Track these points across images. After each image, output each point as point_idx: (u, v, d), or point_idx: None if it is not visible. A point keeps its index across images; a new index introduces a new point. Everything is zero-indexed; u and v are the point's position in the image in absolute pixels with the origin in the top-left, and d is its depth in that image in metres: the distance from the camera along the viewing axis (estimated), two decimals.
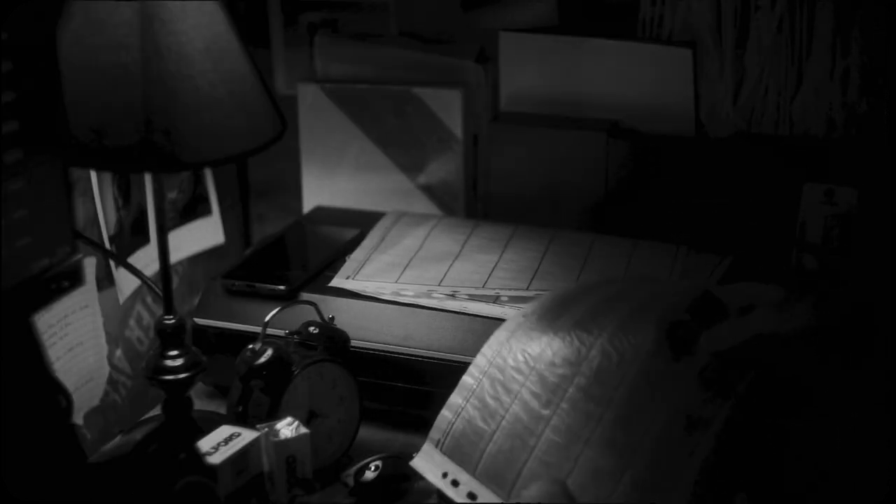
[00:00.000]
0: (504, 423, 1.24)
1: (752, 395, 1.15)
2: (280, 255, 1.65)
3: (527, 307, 1.34)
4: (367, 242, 1.61)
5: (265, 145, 1.31)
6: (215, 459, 1.23)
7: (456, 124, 1.71)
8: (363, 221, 1.68)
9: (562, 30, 1.68)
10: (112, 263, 1.49)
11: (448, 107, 1.70)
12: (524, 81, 1.70)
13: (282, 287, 1.50)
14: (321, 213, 1.75)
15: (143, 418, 1.51)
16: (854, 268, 1.51)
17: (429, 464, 1.28)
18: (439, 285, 1.49)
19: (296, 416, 1.30)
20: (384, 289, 1.49)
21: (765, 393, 1.15)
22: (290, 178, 1.82)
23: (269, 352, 1.33)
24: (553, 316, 1.29)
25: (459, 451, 1.26)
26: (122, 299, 1.52)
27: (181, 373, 1.38)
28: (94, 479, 1.05)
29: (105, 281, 1.48)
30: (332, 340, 1.39)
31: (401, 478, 1.33)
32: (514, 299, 1.46)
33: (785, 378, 1.15)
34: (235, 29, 1.30)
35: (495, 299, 1.46)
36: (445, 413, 1.29)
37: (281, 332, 1.40)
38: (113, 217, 1.50)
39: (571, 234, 1.62)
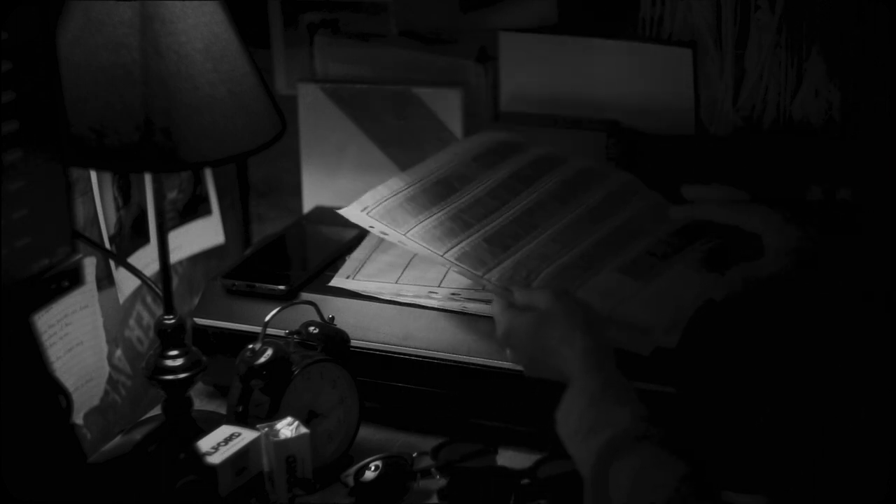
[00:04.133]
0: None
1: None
2: (280, 255, 1.64)
3: None
4: (367, 242, 1.61)
5: (265, 145, 1.31)
6: (215, 459, 1.23)
7: (456, 124, 1.70)
8: None
9: (562, 30, 1.67)
10: (112, 263, 1.49)
11: (448, 107, 1.70)
12: (524, 81, 1.70)
13: (282, 287, 1.50)
14: (321, 213, 1.75)
15: (143, 418, 1.51)
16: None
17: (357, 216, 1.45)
18: (439, 286, 1.49)
19: (296, 416, 1.30)
20: (384, 289, 1.49)
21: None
22: (290, 178, 1.82)
23: (269, 352, 1.33)
24: None
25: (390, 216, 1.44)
26: (122, 299, 1.52)
27: (181, 373, 1.39)
28: (94, 479, 1.05)
29: (105, 281, 1.48)
30: (332, 340, 1.39)
31: (401, 478, 1.33)
32: None
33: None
34: (235, 29, 1.30)
35: None
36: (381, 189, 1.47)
37: (281, 332, 1.40)
38: (113, 217, 1.50)
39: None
